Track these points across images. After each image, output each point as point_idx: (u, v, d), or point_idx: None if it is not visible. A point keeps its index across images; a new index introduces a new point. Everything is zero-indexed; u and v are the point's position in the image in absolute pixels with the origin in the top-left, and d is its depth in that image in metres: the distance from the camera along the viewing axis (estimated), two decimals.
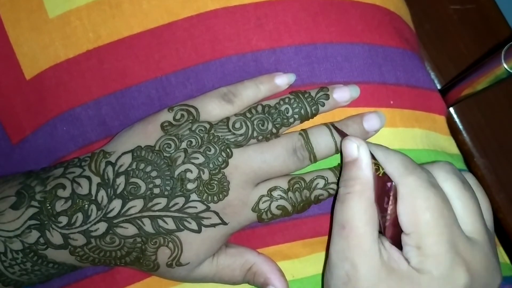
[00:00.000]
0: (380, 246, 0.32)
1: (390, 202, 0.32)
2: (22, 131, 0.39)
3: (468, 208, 0.33)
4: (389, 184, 0.32)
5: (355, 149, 0.33)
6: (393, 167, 0.33)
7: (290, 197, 0.35)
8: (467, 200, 0.33)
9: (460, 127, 0.55)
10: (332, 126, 0.36)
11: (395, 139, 0.39)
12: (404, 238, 0.32)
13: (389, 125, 0.39)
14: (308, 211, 0.37)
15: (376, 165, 0.33)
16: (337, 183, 0.36)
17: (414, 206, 0.31)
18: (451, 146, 0.43)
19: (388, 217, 0.32)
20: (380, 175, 0.32)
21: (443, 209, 0.31)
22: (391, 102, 0.39)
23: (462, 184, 0.33)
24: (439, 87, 0.56)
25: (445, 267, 0.31)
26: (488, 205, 0.35)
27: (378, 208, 0.32)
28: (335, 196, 0.36)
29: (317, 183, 0.36)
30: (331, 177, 0.36)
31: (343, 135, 0.35)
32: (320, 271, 0.38)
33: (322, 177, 0.36)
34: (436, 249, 0.31)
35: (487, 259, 0.32)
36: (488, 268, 0.32)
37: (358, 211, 0.32)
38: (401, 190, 0.32)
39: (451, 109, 0.55)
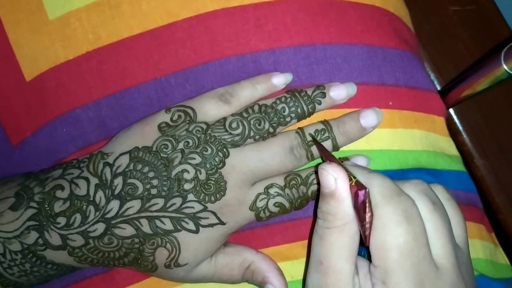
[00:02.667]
0: (354, 276, 0.31)
1: (367, 210, 0.30)
2: (22, 133, 0.39)
3: (438, 231, 0.31)
4: (363, 192, 0.30)
5: (332, 181, 0.31)
6: (371, 195, 0.31)
7: (287, 194, 0.35)
8: (437, 222, 0.31)
9: (460, 128, 0.55)
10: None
11: (394, 140, 0.39)
12: (372, 269, 0.31)
13: (388, 126, 0.39)
14: (307, 211, 0.37)
15: (349, 175, 0.32)
16: None
17: (384, 242, 0.30)
18: (450, 147, 0.43)
19: (367, 226, 0.31)
20: (353, 184, 0.31)
21: (412, 248, 0.30)
22: (390, 103, 0.39)
23: (432, 206, 0.32)
24: (439, 88, 0.56)
25: None
26: (459, 219, 0.34)
27: (357, 217, 0.31)
28: (312, 226, 0.35)
29: (313, 179, 0.36)
30: None
31: (322, 150, 0.35)
32: None
33: None
34: None
35: (454, 286, 0.31)
36: None
37: (337, 247, 0.31)
38: (374, 222, 0.30)
39: (451, 110, 0.55)
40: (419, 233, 0.30)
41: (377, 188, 0.31)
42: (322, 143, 0.36)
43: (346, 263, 0.31)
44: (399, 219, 0.30)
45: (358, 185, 0.31)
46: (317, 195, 0.36)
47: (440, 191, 0.34)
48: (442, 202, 0.33)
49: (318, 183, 0.36)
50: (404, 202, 0.31)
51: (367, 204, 0.30)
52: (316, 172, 0.36)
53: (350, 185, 0.31)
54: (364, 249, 0.33)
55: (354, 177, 0.31)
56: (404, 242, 0.30)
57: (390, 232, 0.30)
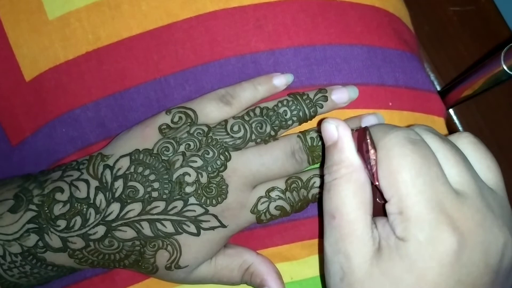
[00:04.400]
0: (372, 228, 0.29)
1: (370, 148, 0.29)
2: (21, 133, 0.39)
3: (449, 159, 0.29)
4: (358, 132, 0.30)
5: (334, 130, 0.31)
6: (372, 133, 0.30)
7: (288, 197, 0.35)
8: (447, 151, 0.29)
9: (460, 128, 0.55)
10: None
11: None
12: (387, 207, 0.29)
13: None
14: (306, 212, 0.37)
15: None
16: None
17: (390, 167, 0.28)
18: None
19: (373, 163, 0.29)
20: (354, 131, 0.31)
21: (421, 166, 0.28)
22: (390, 103, 0.39)
23: (439, 138, 0.30)
24: (438, 88, 0.56)
25: (430, 227, 0.27)
26: (489, 163, 0.31)
27: (362, 159, 0.30)
28: (321, 186, 0.34)
29: (314, 182, 0.36)
30: None
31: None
32: (319, 273, 0.38)
33: (319, 176, 0.36)
34: (417, 210, 0.27)
35: (480, 214, 0.28)
36: (482, 224, 0.28)
37: (346, 196, 0.30)
38: (378, 154, 0.29)
39: (451, 111, 0.55)
40: (427, 153, 0.29)
41: (376, 127, 0.31)
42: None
43: (358, 211, 0.29)
44: (402, 141, 0.29)
45: (358, 130, 0.31)
46: (319, 195, 0.36)
47: (464, 135, 0.32)
48: (468, 146, 0.31)
49: (319, 187, 0.36)
50: (405, 130, 0.30)
51: (368, 141, 0.29)
52: (317, 175, 0.36)
53: (352, 133, 0.31)
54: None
55: (354, 128, 0.31)
56: (411, 160, 0.28)
57: (395, 154, 0.28)
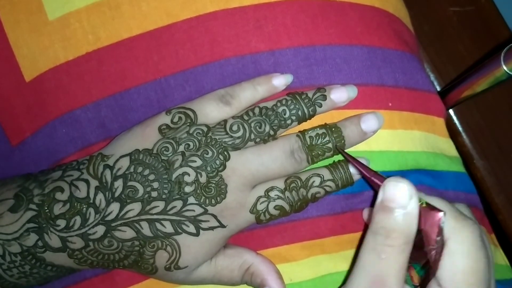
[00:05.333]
0: None
1: (440, 233, 0.30)
2: (21, 133, 0.39)
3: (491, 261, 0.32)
4: (436, 215, 0.30)
5: (406, 198, 0.30)
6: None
7: (287, 197, 0.35)
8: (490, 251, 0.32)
9: (460, 128, 0.55)
10: (331, 130, 0.36)
11: (394, 141, 0.39)
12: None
13: (387, 127, 0.39)
14: (306, 213, 0.37)
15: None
16: (333, 181, 0.36)
17: (463, 266, 0.30)
18: (450, 148, 0.43)
19: (437, 249, 0.30)
20: (424, 205, 0.30)
21: (486, 273, 0.30)
22: (390, 104, 0.39)
23: (484, 231, 0.33)
24: (438, 89, 0.56)
25: None
26: None
27: (426, 240, 0.30)
28: (361, 237, 0.34)
29: (313, 181, 0.36)
30: (327, 175, 0.36)
31: (353, 161, 0.35)
32: (318, 274, 0.38)
33: (318, 175, 0.36)
34: None
35: None
36: None
37: (395, 268, 0.30)
38: (452, 245, 0.30)
39: (451, 111, 0.55)
40: (490, 257, 0.31)
41: (449, 212, 0.31)
42: (323, 147, 0.36)
43: (400, 283, 0.30)
44: (479, 244, 0.30)
45: (431, 207, 0.30)
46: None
47: (466, 211, 0.35)
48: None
49: (318, 186, 0.36)
50: (475, 226, 0.31)
51: (442, 227, 0.30)
52: (316, 174, 0.36)
53: (420, 205, 0.30)
54: (416, 265, 0.33)
55: (422, 199, 0.31)
56: (483, 267, 0.30)
57: (471, 257, 0.30)
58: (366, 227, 0.33)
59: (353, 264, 0.32)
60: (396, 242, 0.30)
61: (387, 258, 0.30)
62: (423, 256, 0.32)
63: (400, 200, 0.30)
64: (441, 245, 0.30)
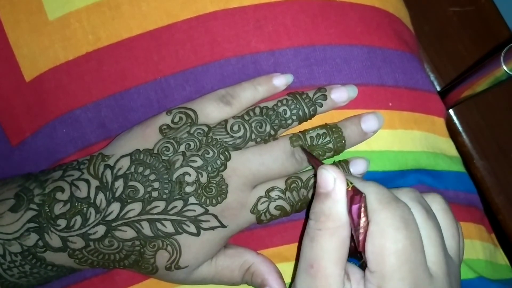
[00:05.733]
0: (345, 282, 0.31)
1: (362, 215, 0.30)
2: (21, 133, 0.39)
3: (431, 239, 0.31)
4: (358, 197, 0.30)
5: (331, 181, 0.31)
6: (368, 200, 0.31)
7: (288, 197, 0.35)
8: (431, 230, 0.31)
9: (460, 128, 0.55)
10: (332, 130, 0.36)
11: (394, 141, 0.39)
12: (367, 274, 0.30)
13: (388, 127, 0.39)
14: (306, 213, 0.37)
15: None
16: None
17: (382, 247, 0.29)
18: (450, 148, 0.43)
19: (361, 231, 0.30)
20: (349, 189, 0.31)
21: (410, 253, 0.29)
22: (390, 104, 0.39)
23: (426, 213, 0.32)
24: (438, 89, 0.56)
25: None
26: (454, 231, 0.33)
27: (350, 217, 0.31)
28: (303, 228, 0.34)
29: (314, 182, 0.36)
30: None
31: (312, 158, 0.35)
32: None
33: None
34: None
35: None
36: None
37: (327, 250, 0.30)
38: (371, 227, 0.30)
39: (451, 111, 0.55)
40: (416, 239, 0.30)
41: (374, 195, 0.31)
42: (323, 147, 0.36)
43: (335, 267, 0.30)
44: (398, 224, 0.30)
45: (355, 190, 0.31)
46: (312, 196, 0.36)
47: (437, 202, 0.34)
48: (439, 212, 0.33)
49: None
50: (401, 208, 0.30)
51: (363, 209, 0.30)
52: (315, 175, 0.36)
53: (347, 189, 0.31)
54: (354, 259, 0.32)
55: (351, 183, 0.31)
56: (402, 247, 0.29)
57: (389, 238, 0.29)
58: None
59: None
60: (324, 225, 0.31)
61: (317, 242, 0.31)
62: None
63: (325, 184, 0.31)
64: (366, 227, 0.30)
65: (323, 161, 0.37)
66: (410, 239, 0.30)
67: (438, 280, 0.31)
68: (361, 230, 0.30)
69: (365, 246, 0.30)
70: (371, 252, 0.30)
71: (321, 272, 0.30)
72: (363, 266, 0.32)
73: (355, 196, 0.30)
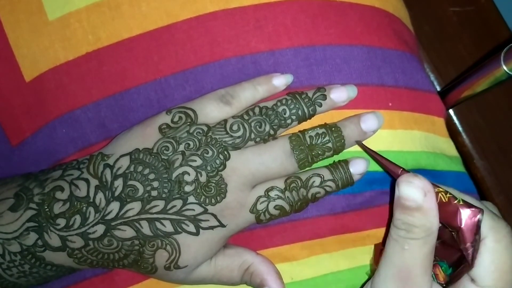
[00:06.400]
0: None
1: (477, 231, 0.31)
2: (21, 133, 0.39)
3: None
4: (474, 213, 0.31)
5: (420, 195, 0.31)
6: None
7: (288, 197, 0.35)
8: None
9: (460, 128, 0.55)
10: (331, 129, 0.36)
11: (394, 141, 0.39)
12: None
13: (387, 127, 0.39)
14: (306, 212, 0.37)
15: (440, 191, 0.32)
16: (334, 181, 0.36)
17: (502, 264, 0.31)
18: (450, 148, 0.43)
19: (474, 247, 0.31)
20: (461, 203, 0.31)
21: None
22: (390, 104, 0.39)
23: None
24: (438, 89, 0.56)
25: None
26: None
27: (462, 237, 0.31)
28: (385, 234, 0.35)
29: (313, 181, 0.36)
30: (327, 175, 0.36)
31: (382, 159, 0.35)
32: (319, 273, 0.38)
33: (318, 175, 0.36)
34: None
35: None
36: None
37: (419, 258, 0.31)
38: (490, 244, 0.31)
39: (451, 111, 0.55)
40: None
41: (486, 211, 0.32)
42: (322, 147, 0.36)
43: (426, 275, 0.31)
44: None
45: (468, 205, 0.31)
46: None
47: (495, 210, 0.36)
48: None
49: (318, 186, 0.36)
50: (510, 227, 0.32)
51: (479, 225, 0.31)
52: (316, 174, 0.36)
53: (458, 203, 0.31)
54: (443, 263, 0.33)
55: (463, 200, 0.31)
56: None
57: (510, 255, 0.31)
58: (390, 217, 0.34)
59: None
60: (417, 235, 0.31)
61: (410, 249, 0.31)
62: (452, 254, 0.32)
63: (415, 198, 0.31)
64: (478, 243, 0.31)
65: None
66: None
67: None
68: (474, 246, 0.31)
69: (477, 261, 0.31)
70: (486, 269, 0.31)
71: (412, 280, 0.31)
72: (436, 276, 0.33)
73: (469, 210, 0.31)
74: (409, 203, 0.31)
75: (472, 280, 0.32)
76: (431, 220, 0.31)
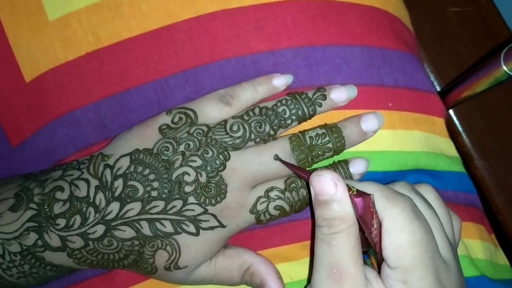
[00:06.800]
0: (367, 282, 0.31)
1: (374, 216, 0.30)
2: (21, 134, 0.39)
3: (435, 226, 0.32)
4: (363, 198, 0.31)
5: (331, 186, 0.31)
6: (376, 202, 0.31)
7: (287, 197, 0.35)
8: (433, 218, 0.32)
9: (460, 129, 0.55)
10: (331, 130, 0.36)
11: (394, 141, 0.39)
12: (387, 272, 0.31)
13: (388, 127, 0.39)
14: (306, 213, 0.37)
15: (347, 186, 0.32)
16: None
17: (401, 241, 0.30)
18: (450, 148, 0.43)
19: (375, 231, 0.31)
20: (354, 193, 0.31)
21: (428, 242, 0.30)
22: (390, 104, 0.39)
23: (425, 203, 0.32)
24: (438, 89, 0.56)
25: None
26: (448, 218, 0.34)
27: (364, 225, 0.31)
28: (311, 245, 0.35)
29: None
30: None
31: (295, 169, 0.35)
32: None
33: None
34: (423, 284, 0.30)
35: (459, 278, 0.32)
36: (461, 286, 0.32)
37: (348, 251, 0.31)
38: (386, 224, 0.30)
39: (451, 111, 0.55)
40: (428, 227, 0.31)
41: (379, 193, 0.31)
42: (322, 147, 0.36)
43: (357, 266, 0.31)
44: (411, 216, 0.30)
45: (360, 193, 0.31)
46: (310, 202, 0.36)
47: (430, 191, 0.35)
48: (434, 201, 0.34)
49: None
50: (407, 200, 0.31)
51: (374, 210, 0.30)
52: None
53: (351, 194, 0.31)
54: (372, 251, 0.33)
55: (353, 187, 0.31)
56: (420, 238, 0.30)
57: (406, 230, 0.30)
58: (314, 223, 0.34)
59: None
60: (339, 228, 0.31)
61: (336, 244, 0.31)
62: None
63: (328, 190, 0.31)
64: (379, 226, 0.31)
65: (314, 166, 0.37)
66: (424, 228, 0.30)
67: (451, 264, 0.32)
68: (375, 231, 0.31)
69: (382, 244, 0.31)
70: (390, 249, 0.30)
71: (345, 273, 0.31)
72: (372, 265, 0.33)
73: (360, 198, 0.31)
74: (324, 197, 0.31)
75: (387, 264, 0.32)
76: (347, 209, 0.31)
